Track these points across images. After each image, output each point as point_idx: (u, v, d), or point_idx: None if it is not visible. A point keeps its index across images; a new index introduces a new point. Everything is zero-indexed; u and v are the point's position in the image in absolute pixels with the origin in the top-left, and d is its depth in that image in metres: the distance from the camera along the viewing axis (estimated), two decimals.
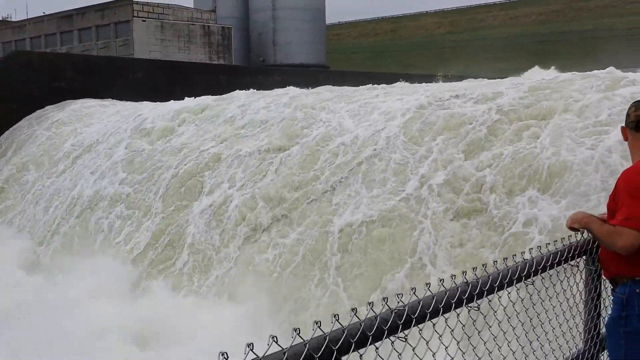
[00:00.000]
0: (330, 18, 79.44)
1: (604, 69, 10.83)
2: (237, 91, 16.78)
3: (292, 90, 15.87)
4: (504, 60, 69.11)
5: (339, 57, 79.56)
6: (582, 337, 3.44)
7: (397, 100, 11.87)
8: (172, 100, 18.42)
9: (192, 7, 50.57)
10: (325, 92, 14.42)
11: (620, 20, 78.43)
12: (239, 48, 50.27)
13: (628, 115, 3.41)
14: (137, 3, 41.51)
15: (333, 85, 16.85)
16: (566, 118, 8.93)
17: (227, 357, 1.84)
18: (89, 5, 44.16)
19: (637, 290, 3.19)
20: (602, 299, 3.47)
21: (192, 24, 45.33)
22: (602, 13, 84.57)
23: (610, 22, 78.43)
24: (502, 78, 17.52)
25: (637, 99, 3.48)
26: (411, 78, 32.41)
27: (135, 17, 41.34)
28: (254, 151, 12.37)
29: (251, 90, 17.08)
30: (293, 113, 13.03)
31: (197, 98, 17.37)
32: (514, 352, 2.94)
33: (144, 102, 19.78)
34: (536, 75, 17.88)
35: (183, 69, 31.84)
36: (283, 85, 21.08)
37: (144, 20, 41.83)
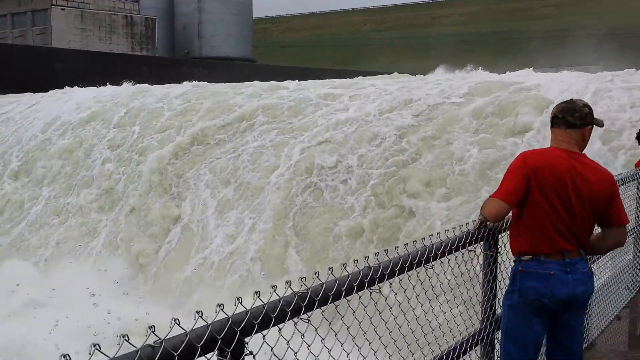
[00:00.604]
0: (257, 12, 79.00)
1: (519, 70, 10.82)
2: (125, 86, 15.72)
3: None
4: (427, 58, 70.79)
5: (266, 52, 79.31)
6: (479, 317, 3.68)
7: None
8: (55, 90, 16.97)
9: None
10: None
11: (535, 23, 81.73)
12: (163, 39, 49.28)
13: None
14: None
15: (260, 80, 16.26)
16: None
17: (70, 359, 1.77)
18: None
19: (520, 269, 3.49)
20: (497, 282, 3.71)
21: (114, 14, 44.08)
22: (518, 16, 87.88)
23: (526, 24, 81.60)
24: (424, 74, 17.72)
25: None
26: (338, 74, 32.73)
27: (53, 5, 39.84)
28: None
29: (144, 84, 15.88)
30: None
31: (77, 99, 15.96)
32: (414, 331, 3.11)
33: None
34: (441, 77, 16.75)
35: (103, 59, 30.94)
36: (207, 78, 20.80)
37: (63, 9, 40.36)
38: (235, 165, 10.84)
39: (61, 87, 21.38)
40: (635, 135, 8.07)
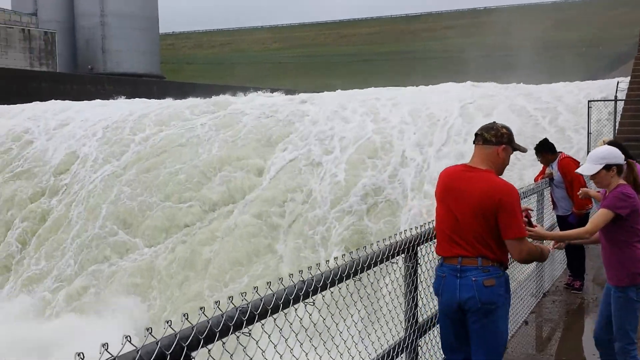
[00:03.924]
0: (164, 27, 77.76)
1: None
2: None
3: None
4: (335, 77, 72.14)
5: (174, 68, 78.16)
6: (403, 326, 3.89)
7: None
8: None
9: (10, 8, 46.97)
10: None
11: (435, 43, 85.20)
12: (64, 54, 47.56)
13: None
14: None
15: (174, 98, 16.02)
16: None
17: (83, 357, 1.91)
18: None
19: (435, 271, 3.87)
20: (418, 292, 3.95)
21: (10, 27, 42.16)
22: (421, 36, 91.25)
23: (425, 45, 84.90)
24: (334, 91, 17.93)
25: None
26: (249, 91, 32.68)
27: None
28: None
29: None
30: None
31: None
32: (345, 341, 3.27)
33: None
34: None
35: None
36: (113, 95, 20.23)
37: None
38: None
39: None
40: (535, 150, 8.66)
